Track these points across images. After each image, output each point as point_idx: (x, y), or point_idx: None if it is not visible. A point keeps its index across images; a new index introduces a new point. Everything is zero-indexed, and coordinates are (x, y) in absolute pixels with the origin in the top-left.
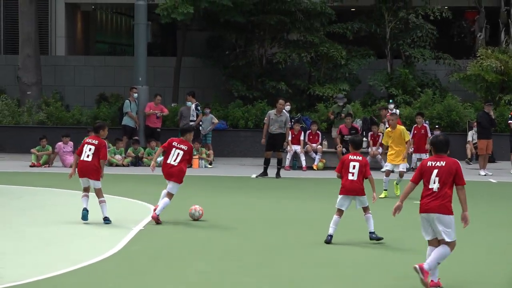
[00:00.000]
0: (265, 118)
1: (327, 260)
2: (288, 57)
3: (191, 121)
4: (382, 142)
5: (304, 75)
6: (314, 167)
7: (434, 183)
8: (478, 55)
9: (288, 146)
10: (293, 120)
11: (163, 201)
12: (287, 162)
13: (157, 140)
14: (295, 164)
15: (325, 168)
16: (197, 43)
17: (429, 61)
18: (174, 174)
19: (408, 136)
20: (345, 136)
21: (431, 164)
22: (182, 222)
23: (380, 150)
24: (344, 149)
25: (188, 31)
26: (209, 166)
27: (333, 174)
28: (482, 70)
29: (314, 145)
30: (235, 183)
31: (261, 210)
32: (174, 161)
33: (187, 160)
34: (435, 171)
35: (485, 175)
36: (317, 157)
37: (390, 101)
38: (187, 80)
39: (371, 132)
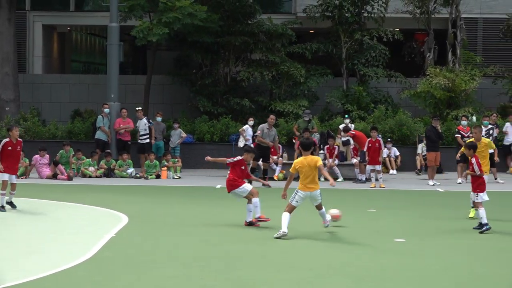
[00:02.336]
0: (258, 131)
1: (288, 263)
2: (251, 75)
3: (143, 135)
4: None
5: (266, 92)
6: (275, 178)
7: None
8: (427, 73)
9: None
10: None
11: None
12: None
13: (128, 153)
14: (257, 175)
15: (285, 178)
16: (166, 62)
17: (382, 79)
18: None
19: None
20: None
21: None
22: (151, 229)
23: (337, 162)
24: None
25: (157, 50)
26: (176, 177)
27: (292, 185)
28: (431, 88)
29: (274, 157)
30: (201, 192)
31: (226, 218)
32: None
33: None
34: None
35: (433, 185)
36: (278, 168)
37: (346, 116)
38: (156, 97)
39: (328, 146)
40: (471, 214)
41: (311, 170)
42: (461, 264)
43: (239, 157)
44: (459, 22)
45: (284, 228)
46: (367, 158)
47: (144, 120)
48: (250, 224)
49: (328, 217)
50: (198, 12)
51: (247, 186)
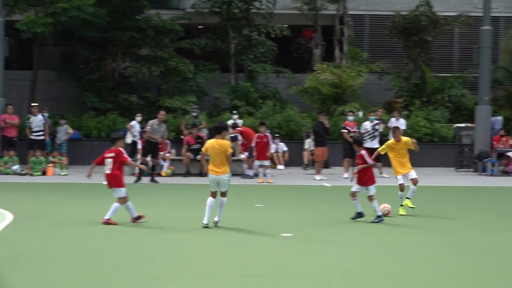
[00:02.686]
0: (148, 127)
1: (179, 260)
2: (139, 71)
3: (38, 131)
4: (379, 151)
5: (154, 88)
6: (163, 174)
7: None
8: (314, 69)
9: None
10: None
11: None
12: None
13: (15, 150)
14: (145, 173)
15: (173, 174)
16: (53, 57)
17: (270, 75)
18: (110, 181)
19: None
20: (192, 146)
21: None
22: (37, 227)
23: None
24: (192, 155)
25: (44, 45)
26: (63, 174)
27: (180, 180)
28: (319, 83)
29: (162, 153)
30: (87, 189)
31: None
32: (109, 169)
33: (119, 163)
34: None
35: (320, 179)
36: (166, 164)
37: (234, 112)
38: (42, 92)
39: None
40: (402, 212)
41: (219, 154)
42: (347, 257)
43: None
44: (346, 19)
45: (204, 220)
46: (254, 153)
47: (40, 116)
48: (137, 218)
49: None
50: (86, 6)
51: (124, 191)
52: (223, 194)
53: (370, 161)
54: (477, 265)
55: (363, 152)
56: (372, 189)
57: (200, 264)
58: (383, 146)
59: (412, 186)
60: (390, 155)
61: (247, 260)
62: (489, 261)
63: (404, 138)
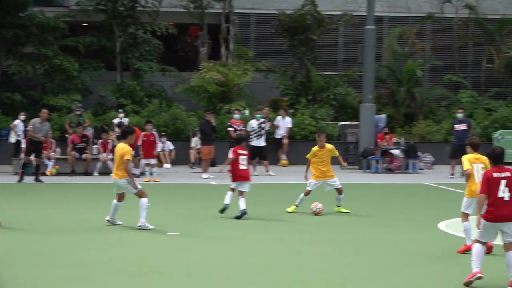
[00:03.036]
0: (30, 126)
1: (60, 261)
2: (22, 69)
3: None
4: (307, 157)
5: (38, 86)
6: (48, 173)
7: (504, 192)
8: (201, 68)
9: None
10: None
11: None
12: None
13: None
14: (29, 171)
15: (58, 173)
16: None
17: (156, 73)
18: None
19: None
20: (77, 144)
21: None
22: None
23: (110, 156)
24: (77, 153)
25: None
26: None
27: (65, 180)
28: (205, 82)
29: (46, 152)
30: None
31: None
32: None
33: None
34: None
35: (207, 178)
36: (50, 163)
37: (120, 110)
38: None
39: (102, 140)
40: (290, 209)
41: (118, 158)
42: (232, 256)
43: None
44: (232, 17)
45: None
46: (141, 152)
47: None
48: None
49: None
50: None
51: None
52: (120, 198)
53: (230, 155)
54: (360, 259)
55: (232, 150)
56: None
57: (83, 264)
58: (310, 153)
59: (338, 196)
60: (312, 161)
61: (131, 259)
62: (370, 255)
63: (328, 146)
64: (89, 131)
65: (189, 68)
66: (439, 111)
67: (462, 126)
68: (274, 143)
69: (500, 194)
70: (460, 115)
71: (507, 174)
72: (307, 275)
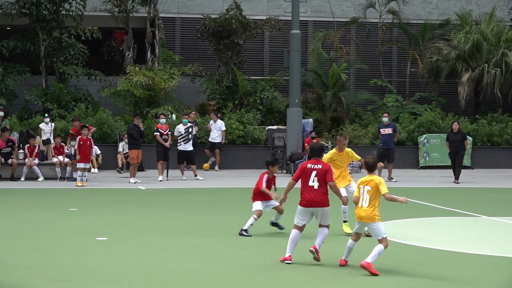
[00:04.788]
0: None
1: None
2: None
3: None
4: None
5: None
6: None
7: (314, 182)
8: (127, 72)
9: None
10: None
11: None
12: None
13: None
14: None
15: None
16: None
17: (81, 78)
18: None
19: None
20: (2, 149)
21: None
22: None
23: (36, 161)
24: (3, 158)
25: None
26: None
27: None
28: (131, 86)
29: None
30: None
31: None
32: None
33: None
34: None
35: (135, 182)
36: None
37: (46, 115)
38: None
39: (28, 145)
40: None
41: None
42: (158, 260)
43: None
44: (157, 21)
45: None
46: (78, 156)
47: None
48: None
49: None
50: None
51: None
52: None
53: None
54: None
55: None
56: None
57: (3, 271)
58: (325, 158)
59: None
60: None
61: (60, 265)
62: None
63: (347, 149)
64: (15, 136)
65: (115, 72)
66: (365, 115)
67: (388, 130)
68: (210, 146)
69: (311, 183)
70: (385, 119)
71: (319, 166)
72: (218, 278)
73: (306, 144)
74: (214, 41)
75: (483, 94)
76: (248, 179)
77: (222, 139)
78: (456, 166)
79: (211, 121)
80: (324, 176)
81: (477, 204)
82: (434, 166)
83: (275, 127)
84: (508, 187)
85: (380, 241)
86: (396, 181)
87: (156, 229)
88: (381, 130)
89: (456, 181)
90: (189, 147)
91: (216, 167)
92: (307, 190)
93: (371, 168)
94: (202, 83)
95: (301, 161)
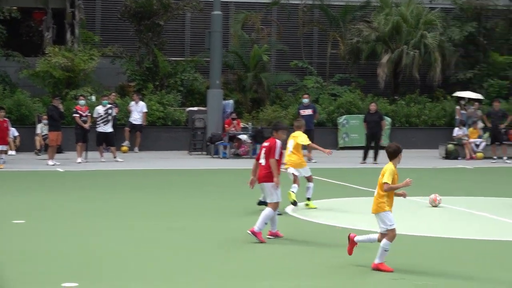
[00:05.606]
0: None
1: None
2: None
3: None
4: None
5: None
6: None
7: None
8: (46, 53)
9: None
10: None
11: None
12: None
13: None
14: None
15: None
16: None
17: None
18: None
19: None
20: None
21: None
22: None
23: None
24: None
25: None
26: None
27: None
28: (50, 67)
29: None
30: None
31: None
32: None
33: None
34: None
35: (53, 165)
36: None
37: None
38: None
39: None
40: None
41: None
42: (73, 242)
43: None
44: (77, 2)
45: None
46: None
47: None
48: None
49: None
50: None
51: None
52: None
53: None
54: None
55: None
56: None
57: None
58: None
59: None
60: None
61: None
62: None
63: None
64: None
65: (34, 53)
66: (285, 97)
67: (308, 111)
68: (130, 128)
69: (260, 160)
70: (305, 100)
71: (267, 144)
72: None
73: (226, 125)
74: (135, 22)
75: (402, 76)
76: (168, 160)
77: (143, 121)
78: (375, 147)
79: (132, 103)
80: (268, 153)
81: None
82: (354, 146)
83: (195, 108)
84: (425, 167)
85: (383, 235)
86: (316, 162)
87: (72, 211)
88: (301, 111)
89: (374, 162)
90: (108, 128)
91: (136, 149)
92: (259, 167)
93: (391, 156)
94: (122, 64)
95: (222, 142)
